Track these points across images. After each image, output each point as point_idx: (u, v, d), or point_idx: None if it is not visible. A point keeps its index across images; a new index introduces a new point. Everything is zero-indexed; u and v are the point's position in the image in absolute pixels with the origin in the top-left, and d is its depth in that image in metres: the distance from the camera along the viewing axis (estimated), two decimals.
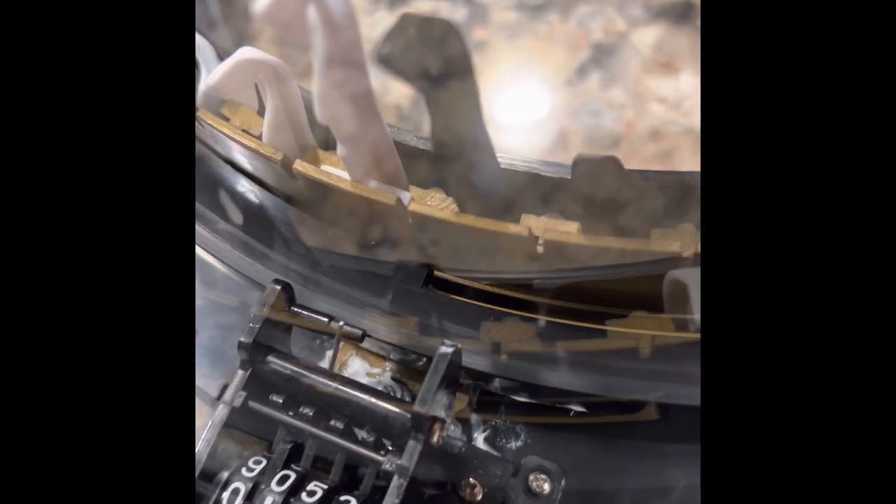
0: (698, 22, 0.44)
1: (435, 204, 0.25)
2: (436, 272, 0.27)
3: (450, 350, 0.22)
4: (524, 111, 0.45)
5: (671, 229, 0.24)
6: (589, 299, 0.25)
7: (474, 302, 0.26)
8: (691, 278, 0.23)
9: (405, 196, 0.25)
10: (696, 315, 0.23)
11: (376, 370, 0.27)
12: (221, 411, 0.22)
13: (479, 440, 0.25)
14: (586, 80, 0.45)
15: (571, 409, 0.25)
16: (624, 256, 0.23)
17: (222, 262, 0.29)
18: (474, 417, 0.25)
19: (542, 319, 0.25)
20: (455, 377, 0.22)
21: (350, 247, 0.28)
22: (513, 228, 0.23)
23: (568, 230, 0.24)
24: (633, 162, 0.41)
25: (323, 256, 0.28)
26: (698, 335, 0.22)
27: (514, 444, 0.25)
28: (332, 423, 0.22)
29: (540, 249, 0.23)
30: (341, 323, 0.24)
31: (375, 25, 0.47)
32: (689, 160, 0.41)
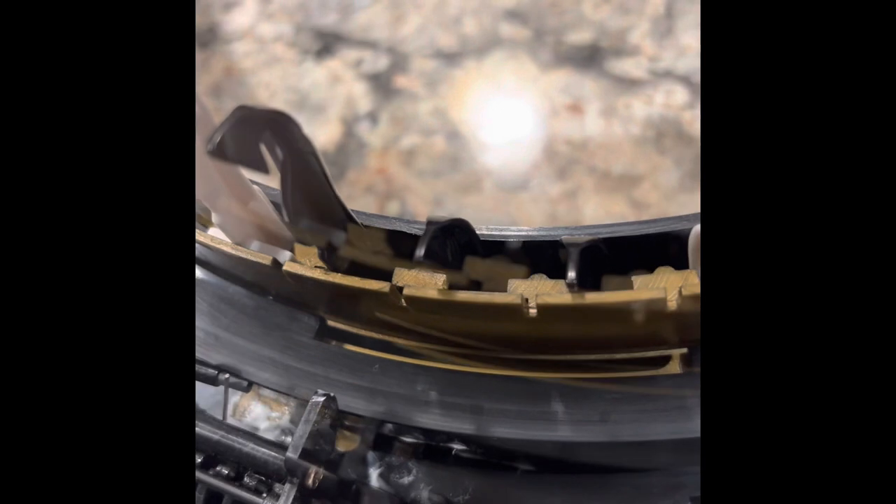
0: (604, 65, 0.44)
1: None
2: (329, 322, 0.28)
3: (321, 399, 0.24)
4: (437, 158, 0.45)
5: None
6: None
7: (366, 350, 0.27)
8: None
9: (284, 255, 0.26)
10: None
11: (275, 414, 0.28)
12: None
13: (374, 476, 0.26)
14: (497, 123, 0.45)
15: (453, 448, 0.26)
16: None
17: None
18: (371, 455, 0.27)
19: (571, 273, 0.24)
20: (332, 422, 0.25)
21: None
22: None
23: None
24: (539, 202, 0.42)
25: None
26: None
27: (406, 479, 0.26)
28: (219, 468, 0.25)
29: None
30: (227, 375, 0.27)
31: (303, 76, 0.48)
32: (593, 199, 0.41)
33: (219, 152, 0.19)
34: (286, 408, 0.30)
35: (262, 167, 0.20)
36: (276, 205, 0.27)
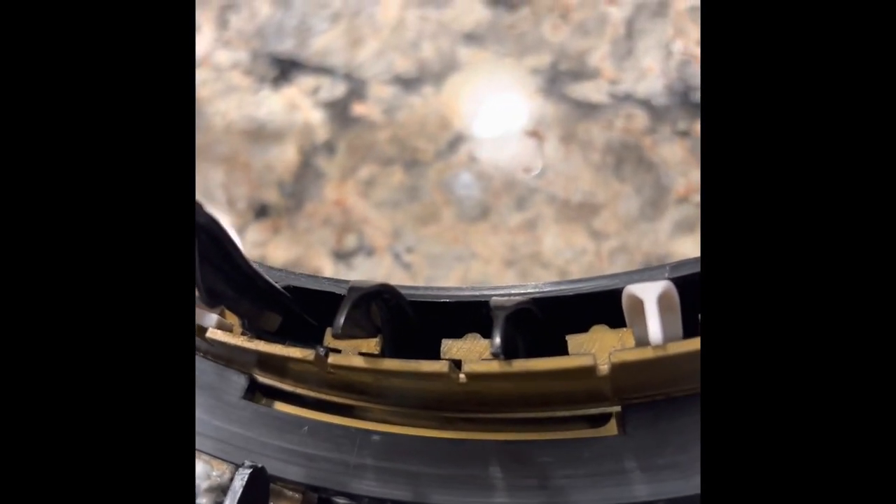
0: (564, 90, 0.43)
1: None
2: (259, 379, 0.27)
3: (248, 471, 0.23)
4: (395, 188, 0.44)
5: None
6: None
7: (298, 411, 0.26)
8: (647, 293, 0.22)
9: (210, 318, 0.25)
10: (653, 329, 0.21)
11: (216, 473, 0.28)
12: None
13: None
14: (456, 151, 0.44)
15: None
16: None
17: None
18: None
19: (497, 340, 0.23)
20: (262, 492, 0.24)
21: None
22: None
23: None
24: (499, 233, 0.40)
25: None
26: (657, 353, 0.21)
27: None
28: None
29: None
30: None
31: (260, 104, 0.47)
32: (553, 229, 0.40)
33: None
34: (226, 466, 0.29)
35: None
36: None
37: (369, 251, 0.42)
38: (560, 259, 0.40)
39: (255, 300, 0.23)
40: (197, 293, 0.21)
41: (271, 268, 0.26)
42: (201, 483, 0.30)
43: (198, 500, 0.29)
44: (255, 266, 0.23)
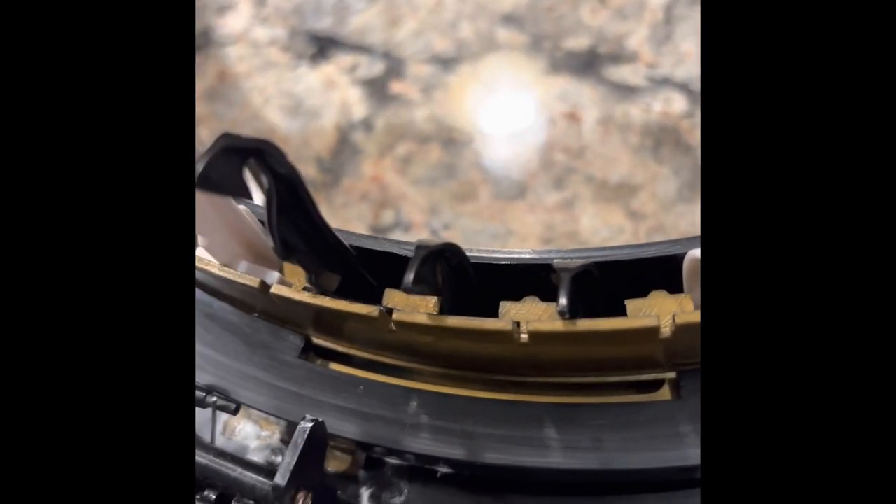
0: (603, 73, 0.44)
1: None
2: (315, 340, 0.27)
3: (309, 425, 0.23)
4: (433, 165, 0.44)
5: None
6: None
7: (352, 371, 0.27)
8: None
9: (272, 276, 0.25)
10: None
11: (266, 433, 0.28)
12: None
13: (365, 497, 0.26)
14: (493, 130, 0.44)
15: (438, 471, 0.25)
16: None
17: None
18: (362, 475, 0.26)
19: (563, 300, 0.23)
20: (321, 447, 0.24)
21: None
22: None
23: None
24: (536, 212, 0.41)
25: None
26: None
27: (398, 500, 0.26)
28: (206, 493, 0.24)
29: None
30: (214, 399, 0.26)
31: (298, 81, 0.47)
32: (590, 209, 0.41)
33: (203, 184, 0.18)
34: (276, 427, 0.30)
35: (246, 194, 0.20)
36: (263, 223, 0.26)
37: (406, 227, 0.43)
38: (597, 238, 0.40)
39: (323, 256, 0.24)
40: (272, 245, 0.21)
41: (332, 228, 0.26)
42: (250, 443, 0.31)
43: (248, 457, 0.29)
44: (326, 221, 0.23)
